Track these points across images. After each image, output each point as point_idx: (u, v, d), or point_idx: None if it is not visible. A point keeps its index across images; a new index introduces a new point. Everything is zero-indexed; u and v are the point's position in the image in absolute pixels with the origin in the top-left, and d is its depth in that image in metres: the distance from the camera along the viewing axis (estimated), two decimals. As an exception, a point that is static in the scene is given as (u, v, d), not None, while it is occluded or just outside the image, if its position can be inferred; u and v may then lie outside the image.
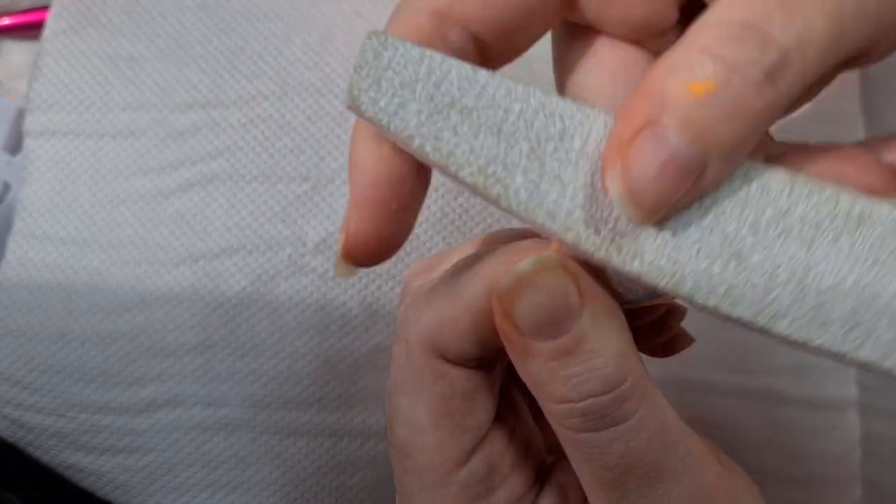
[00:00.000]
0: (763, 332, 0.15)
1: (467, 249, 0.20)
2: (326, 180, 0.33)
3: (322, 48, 0.34)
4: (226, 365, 0.32)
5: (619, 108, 0.15)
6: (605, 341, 0.16)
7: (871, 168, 0.17)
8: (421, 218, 0.33)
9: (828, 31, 0.15)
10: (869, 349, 0.15)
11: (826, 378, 0.33)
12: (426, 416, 0.19)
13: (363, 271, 0.32)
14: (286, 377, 0.32)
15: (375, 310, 0.32)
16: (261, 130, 0.33)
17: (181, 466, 0.31)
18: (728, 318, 0.15)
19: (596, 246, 0.16)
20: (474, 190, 0.16)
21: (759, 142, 0.16)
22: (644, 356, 0.20)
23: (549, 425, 0.18)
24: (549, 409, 0.17)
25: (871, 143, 0.18)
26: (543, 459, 0.21)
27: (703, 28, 0.14)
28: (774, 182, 0.16)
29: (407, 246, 0.33)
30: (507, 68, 0.18)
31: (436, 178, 0.36)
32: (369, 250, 0.17)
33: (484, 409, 0.19)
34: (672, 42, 0.15)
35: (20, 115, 0.35)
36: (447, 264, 0.20)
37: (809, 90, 0.17)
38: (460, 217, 0.33)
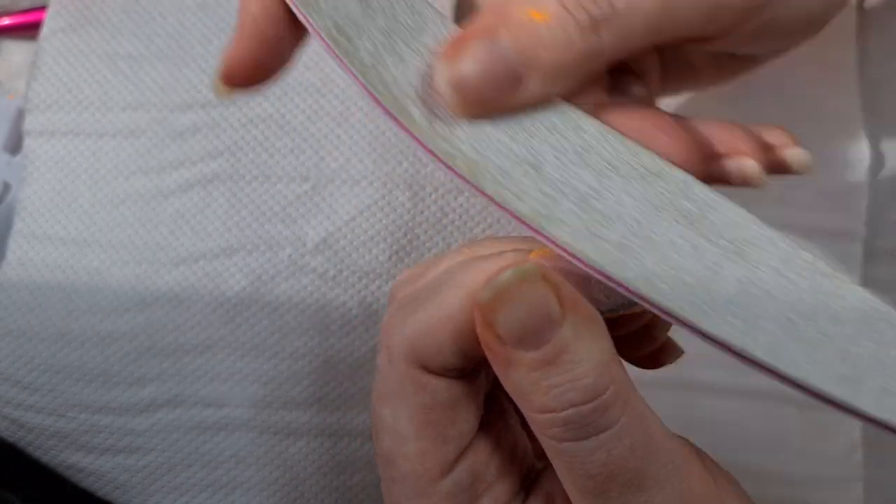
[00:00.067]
0: (541, 235, 0.17)
1: (454, 258, 0.20)
2: (326, 180, 0.33)
3: (322, 48, 0.34)
4: (226, 365, 0.32)
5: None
6: (586, 351, 0.16)
7: (679, 138, 0.19)
8: (420, 218, 0.33)
9: (657, 4, 0.18)
10: (631, 272, 0.17)
11: (827, 378, 0.33)
12: (408, 426, 0.19)
13: (363, 271, 0.32)
14: (286, 377, 0.32)
15: (375, 310, 0.32)
16: (260, 130, 0.33)
17: (181, 466, 0.31)
18: (513, 215, 0.17)
19: (419, 129, 0.17)
20: (328, 48, 0.18)
21: (590, 92, 0.19)
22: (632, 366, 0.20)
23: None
24: (532, 418, 0.17)
25: (689, 120, 0.20)
26: (531, 466, 0.21)
27: None
28: (588, 125, 0.18)
29: (407, 246, 0.33)
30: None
31: (436, 179, 0.36)
32: (245, 73, 0.20)
33: (466, 418, 0.19)
34: None
35: (20, 115, 0.35)
36: (434, 273, 0.20)
37: (657, 61, 0.21)
38: (460, 217, 0.33)
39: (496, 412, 0.20)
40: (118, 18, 0.35)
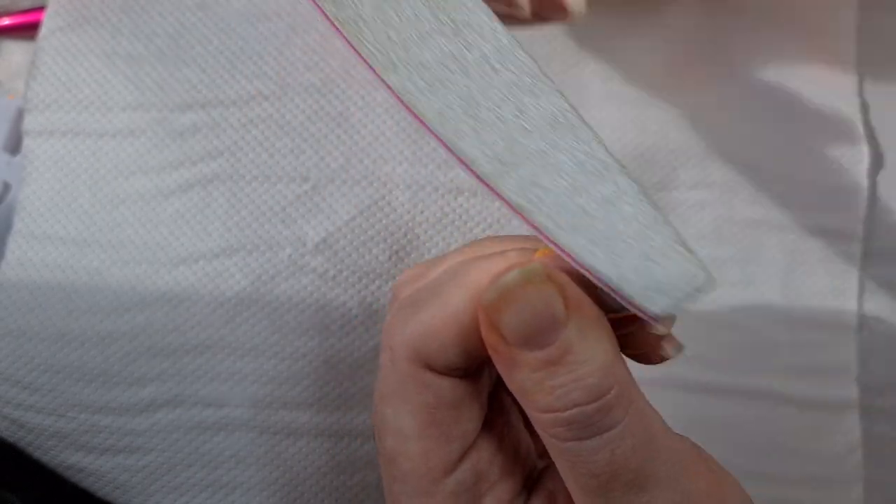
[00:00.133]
0: (383, 84, 0.18)
1: (456, 258, 0.20)
2: (326, 180, 0.33)
3: (322, 48, 0.34)
4: (226, 365, 0.32)
5: None
6: (591, 351, 0.16)
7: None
8: (420, 218, 0.33)
9: None
10: (450, 132, 0.18)
11: (826, 378, 0.33)
12: (411, 426, 0.19)
13: (363, 271, 0.32)
14: (286, 377, 0.32)
15: (375, 310, 0.32)
16: (261, 130, 0.33)
17: (181, 466, 0.31)
18: (364, 61, 0.19)
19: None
20: None
21: None
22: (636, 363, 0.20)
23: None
24: (536, 417, 0.17)
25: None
26: (533, 465, 0.21)
27: None
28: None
29: (406, 246, 0.33)
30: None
31: (436, 178, 0.36)
32: None
33: (470, 417, 0.19)
34: None
35: (20, 115, 0.35)
36: (436, 273, 0.20)
37: None
38: (460, 217, 0.33)
39: (499, 411, 0.20)
40: (117, 18, 0.35)
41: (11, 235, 0.33)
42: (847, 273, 0.34)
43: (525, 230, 0.18)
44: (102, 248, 0.32)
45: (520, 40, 0.19)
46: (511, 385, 0.17)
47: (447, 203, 0.33)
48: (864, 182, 0.34)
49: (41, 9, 0.36)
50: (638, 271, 0.17)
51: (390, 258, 0.33)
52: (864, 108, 0.35)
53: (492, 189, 0.18)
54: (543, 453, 0.21)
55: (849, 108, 0.35)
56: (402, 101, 0.18)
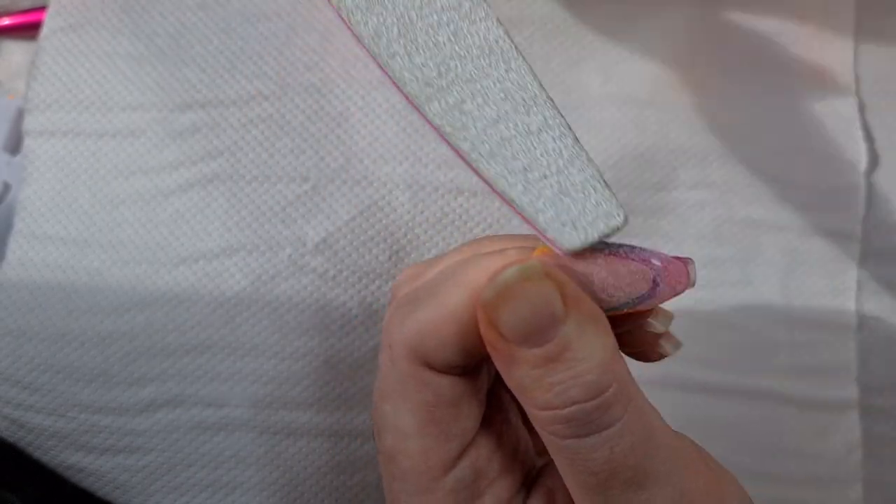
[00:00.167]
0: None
1: (455, 257, 0.20)
2: (326, 180, 0.33)
3: (322, 48, 0.34)
4: (226, 365, 0.32)
5: None
6: (590, 348, 0.16)
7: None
8: (420, 218, 0.33)
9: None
10: (384, 52, 0.18)
11: (826, 378, 0.33)
12: (411, 424, 0.19)
13: (363, 271, 0.32)
14: (286, 377, 0.32)
15: (375, 310, 0.32)
16: (261, 130, 0.33)
17: (181, 466, 0.31)
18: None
19: None
20: None
21: None
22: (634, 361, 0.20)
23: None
24: (534, 415, 0.17)
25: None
26: (532, 463, 0.21)
27: None
28: None
29: (406, 246, 0.33)
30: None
31: (436, 178, 0.36)
32: None
33: (469, 415, 0.19)
34: None
35: (20, 115, 0.35)
36: (433, 272, 0.20)
37: None
38: (460, 217, 0.33)
39: (497, 408, 0.20)
40: (118, 19, 0.35)
41: (12, 235, 0.33)
42: (846, 273, 0.34)
43: (525, 229, 0.18)
44: (102, 248, 0.32)
45: (517, 42, 0.19)
46: (510, 382, 0.17)
47: (447, 203, 0.33)
48: (863, 182, 0.34)
49: (41, 9, 0.36)
50: (554, 205, 0.17)
51: (390, 258, 0.33)
52: (862, 107, 0.35)
53: (418, 111, 0.18)
54: (542, 451, 0.21)
55: (846, 109, 0.35)
56: (341, 17, 0.19)
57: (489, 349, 0.17)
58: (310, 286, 0.32)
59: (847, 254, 0.34)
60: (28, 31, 0.37)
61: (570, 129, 0.18)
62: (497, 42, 0.19)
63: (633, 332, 0.20)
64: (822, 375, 0.33)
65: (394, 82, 0.18)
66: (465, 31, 0.19)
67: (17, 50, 0.37)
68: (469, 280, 0.18)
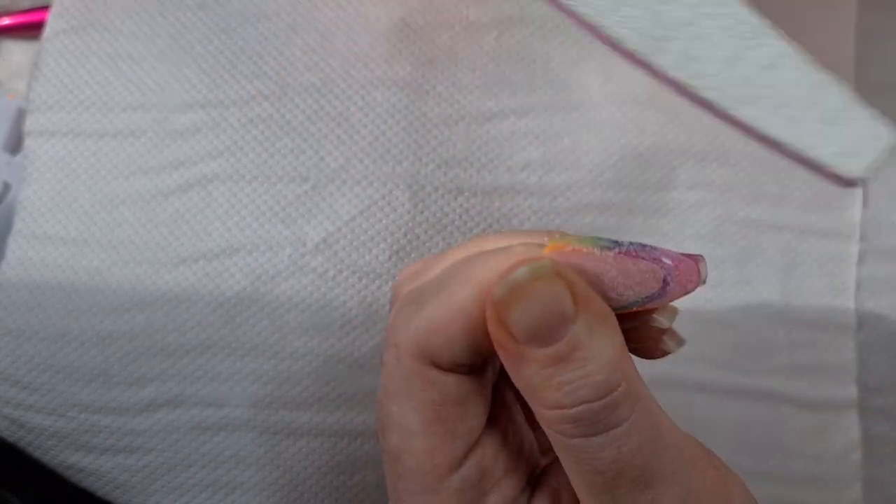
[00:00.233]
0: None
1: (459, 253, 0.20)
2: (326, 180, 0.33)
3: (322, 48, 0.34)
4: (226, 365, 0.32)
5: None
6: (599, 348, 0.16)
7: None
8: (420, 218, 0.33)
9: None
10: (589, 9, 0.17)
11: (826, 378, 0.33)
12: (417, 423, 0.19)
13: (363, 271, 0.32)
14: (286, 377, 0.32)
15: (375, 310, 0.32)
16: (260, 130, 0.33)
17: (181, 466, 0.31)
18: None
19: None
20: None
21: None
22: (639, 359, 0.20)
23: (541, 426, 0.18)
24: (542, 414, 0.17)
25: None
26: (536, 462, 0.21)
27: None
28: None
29: (407, 246, 0.33)
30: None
31: (436, 178, 0.36)
32: None
33: (476, 413, 0.19)
34: None
35: (20, 115, 0.35)
36: (437, 269, 0.20)
37: None
38: (460, 217, 0.33)
39: (501, 407, 0.20)
40: (119, 20, 0.35)
41: (12, 235, 0.33)
42: (845, 272, 0.34)
43: (530, 225, 0.18)
44: (102, 248, 0.32)
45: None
46: (518, 381, 0.17)
47: (447, 203, 0.33)
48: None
49: (41, 9, 0.36)
50: (821, 136, 0.16)
51: (390, 258, 0.33)
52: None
53: (649, 68, 0.16)
54: (546, 450, 0.21)
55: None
56: None
57: (497, 348, 0.17)
58: (310, 286, 0.32)
59: (846, 253, 0.34)
60: (28, 31, 0.37)
61: (801, 54, 0.16)
62: None
63: (638, 327, 0.20)
64: (821, 375, 0.33)
65: (613, 45, 0.17)
66: None
67: (17, 50, 0.37)
68: (476, 277, 0.18)
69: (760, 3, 0.37)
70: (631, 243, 0.18)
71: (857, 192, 0.34)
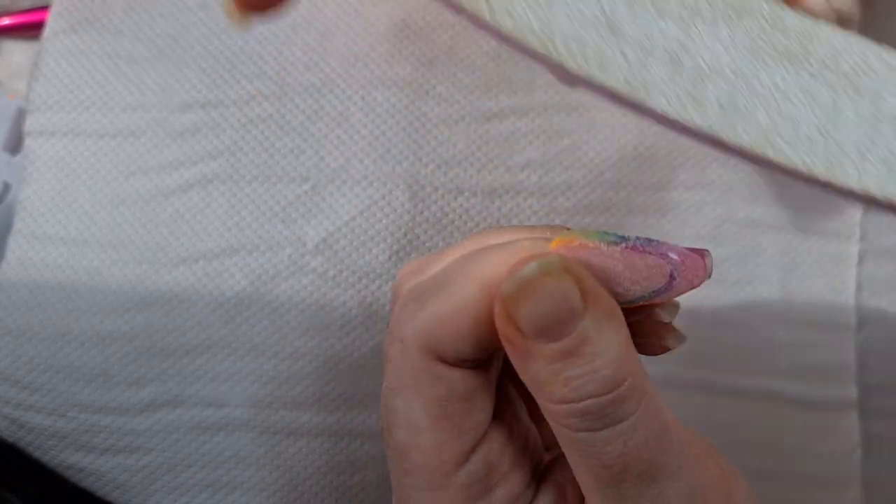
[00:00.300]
0: (633, 106, 0.15)
1: (464, 248, 0.20)
2: (326, 180, 0.33)
3: (322, 48, 0.34)
4: (226, 365, 0.32)
5: None
6: (606, 343, 0.16)
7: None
8: (420, 218, 0.33)
9: None
10: (746, 135, 0.15)
11: (826, 378, 0.33)
12: (424, 418, 0.19)
13: (363, 271, 0.32)
14: (286, 377, 0.32)
15: (375, 310, 0.32)
16: (260, 130, 0.33)
17: (181, 466, 0.31)
18: (602, 88, 0.15)
19: (478, 6, 0.16)
20: None
21: None
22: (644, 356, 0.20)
23: (545, 421, 0.18)
24: (549, 408, 0.17)
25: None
26: (541, 457, 0.21)
27: None
28: None
29: (407, 246, 0.33)
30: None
31: (436, 178, 0.36)
32: None
33: (482, 408, 0.19)
34: None
35: (20, 115, 0.35)
36: (440, 265, 0.20)
37: None
38: (460, 217, 0.33)
39: (505, 402, 0.20)
40: (119, 20, 0.35)
41: (11, 235, 0.33)
42: (845, 272, 0.34)
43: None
44: (102, 248, 0.32)
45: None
46: (525, 376, 0.17)
47: (447, 203, 0.33)
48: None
49: (41, 9, 0.36)
50: (870, 165, 0.15)
51: (390, 258, 0.33)
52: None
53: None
54: (550, 445, 0.21)
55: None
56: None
57: (504, 343, 0.17)
58: (310, 286, 0.32)
59: (846, 253, 0.34)
60: (28, 31, 0.36)
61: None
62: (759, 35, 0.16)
63: (642, 322, 0.20)
64: (821, 375, 0.33)
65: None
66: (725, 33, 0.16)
67: (17, 50, 0.37)
68: (481, 272, 0.18)
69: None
70: (637, 238, 0.18)
71: (857, 193, 0.34)
